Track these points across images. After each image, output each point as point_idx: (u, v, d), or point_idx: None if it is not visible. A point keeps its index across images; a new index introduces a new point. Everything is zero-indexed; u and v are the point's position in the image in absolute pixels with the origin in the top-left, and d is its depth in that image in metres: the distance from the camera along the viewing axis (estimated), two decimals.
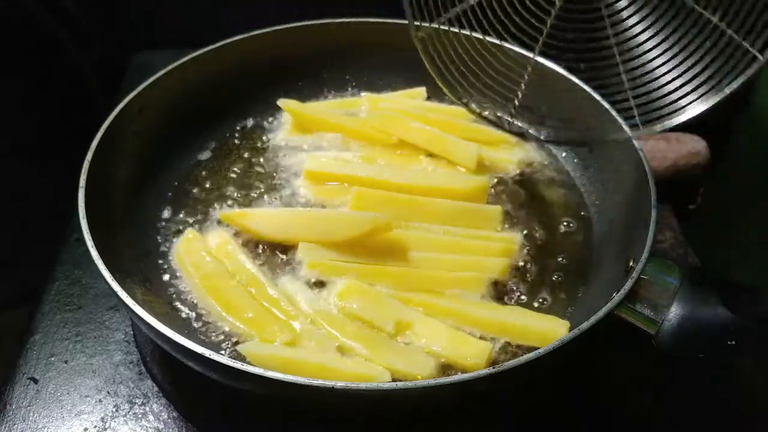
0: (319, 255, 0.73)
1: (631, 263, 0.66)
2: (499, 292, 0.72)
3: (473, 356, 0.65)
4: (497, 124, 0.88)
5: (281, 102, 0.90)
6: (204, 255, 0.73)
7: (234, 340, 0.67)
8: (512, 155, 0.88)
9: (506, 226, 0.80)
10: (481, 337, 0.68)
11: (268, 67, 0.92)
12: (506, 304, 0.71)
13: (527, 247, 0.78)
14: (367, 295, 0.70)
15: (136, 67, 1.12)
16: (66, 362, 0.71)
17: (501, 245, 0.76)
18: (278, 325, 0.67)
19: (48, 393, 0.68)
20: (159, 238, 0.77)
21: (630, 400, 0.72)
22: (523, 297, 0.72)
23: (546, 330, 0.66)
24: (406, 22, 0.81)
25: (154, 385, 0.69)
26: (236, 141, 0.91)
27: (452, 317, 0.69)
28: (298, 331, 0.67)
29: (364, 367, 0.64)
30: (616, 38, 0.77)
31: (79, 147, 0.73)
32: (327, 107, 0.95)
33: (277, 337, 0.66)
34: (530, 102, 0.86)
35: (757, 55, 0.69)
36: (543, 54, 0.84)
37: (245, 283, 0.71)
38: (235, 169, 0.87)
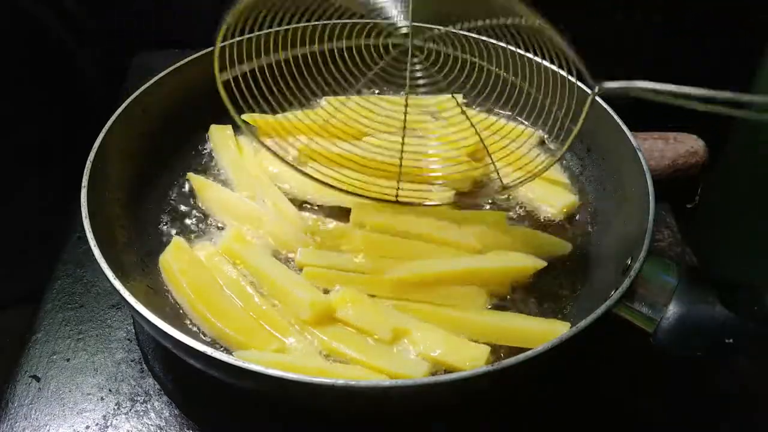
0: (318, 265, 0.73)
1: (629, 262, 0.66)
2: (498, 296, 0.72)
3: (472, 360, 0.65)
4: None
5: (245, 117, 0.78)
6: (191, 265, 0.72)
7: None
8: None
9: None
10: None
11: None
12: (505, 305, 0.72)
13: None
14: (364, 302, 0.69)
15: (137, 67, 1.12)
16: (68, 360, 0.71)
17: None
18: (270, 335, 0.67)
19: (50, 391, 0.69)
20: (160, 237, 0.77)
21: (627, 399, 0.72)
22: (520, 297, 0.73)
23: (547, 331, 0.66)
24: None
25: (155, 383, 0.70)
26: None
27: (451, 324, 0.68)
28: (291, 341, 0.66)
29: (360, 372, 0.64)
30: None
31: (79, 146, 0.74)
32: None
33: (269, 346, 0.66)
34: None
35: None
36: None
37: (235, 293, 0.70)
38: None
